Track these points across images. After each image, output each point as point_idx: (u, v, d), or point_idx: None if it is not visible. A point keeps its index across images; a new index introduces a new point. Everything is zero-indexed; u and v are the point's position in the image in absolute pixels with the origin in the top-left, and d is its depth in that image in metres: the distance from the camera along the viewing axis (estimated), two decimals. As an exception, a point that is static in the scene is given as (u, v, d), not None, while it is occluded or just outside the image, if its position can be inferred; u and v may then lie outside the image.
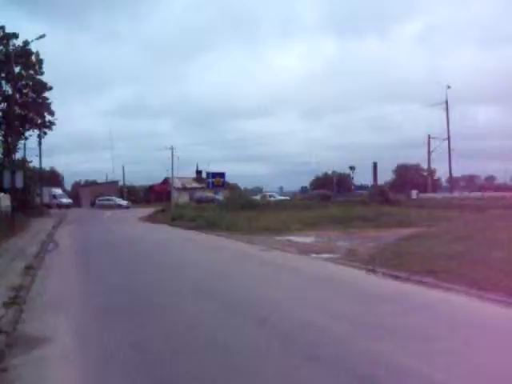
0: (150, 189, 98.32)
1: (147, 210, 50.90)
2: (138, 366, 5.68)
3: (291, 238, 21.27)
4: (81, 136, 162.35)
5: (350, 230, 23.35)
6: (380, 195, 43.35)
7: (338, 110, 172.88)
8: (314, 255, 15.73)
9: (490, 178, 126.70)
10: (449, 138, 64.20)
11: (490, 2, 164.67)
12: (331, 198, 50.15)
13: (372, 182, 48.62)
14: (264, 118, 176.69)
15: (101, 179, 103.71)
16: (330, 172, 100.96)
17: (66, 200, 76.57)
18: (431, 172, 75.29)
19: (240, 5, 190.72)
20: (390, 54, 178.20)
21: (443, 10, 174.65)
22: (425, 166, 77.14)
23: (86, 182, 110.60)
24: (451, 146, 64.74)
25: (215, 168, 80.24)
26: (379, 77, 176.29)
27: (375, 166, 47.63)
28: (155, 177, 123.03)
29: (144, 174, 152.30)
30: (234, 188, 60.18)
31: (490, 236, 15.76)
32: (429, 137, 66.59)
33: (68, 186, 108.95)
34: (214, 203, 52.43)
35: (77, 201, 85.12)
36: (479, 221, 22.40)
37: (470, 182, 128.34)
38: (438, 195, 59.08)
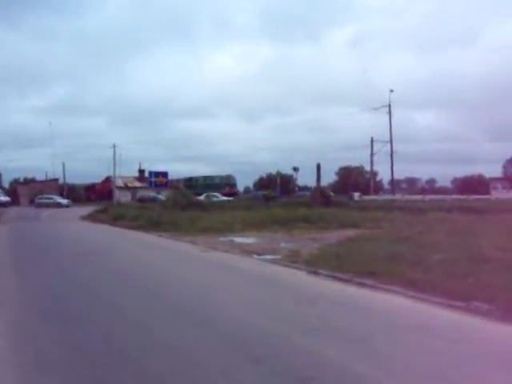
0: (91, 187, 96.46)
1: (88, 209, 49.86)
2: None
3: (234, 238, 21.24)
4: (19, 133, 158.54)
5: (293, 232, 23.46)
6: (322, 197, 43.76)
7: (277, 112, 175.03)
8: (256, 256, 15.73)
9: (431, 181, 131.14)
10: (391, 141, 65.54)
11: (420, 11, 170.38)
12: (275, 199, 50.31)
13: (315, 184, 48.97)
14: (204, 118, 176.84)
15: (40, 177, 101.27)
16: (274, 173, 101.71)
17: (3, 198, 73.88)
18: (374, 174, 76.73)
19: (178, 4, 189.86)
20: (325, 59, 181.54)
21: (375, 18, 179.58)
22: (368, 168, 78.63)
23: (25, 179, 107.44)
24: (393, 149, 66.12)
25: (158, 167, 79.92)
26: (316, 80, 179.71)
27: (318, 167, 47.94)
28: (97, 175, 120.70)
29: (85, 173, 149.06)
30: (177, 187, 59.64)
31: (430, 238, 16.11)
32: (372, 139, 67.85)
33: (6, 184, 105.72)
34: (156, 203, 51.79)
35: (15, 199, 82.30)
36: (420, 223, 22.89)
37: (412, 184, 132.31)
38: (380, 197, 60.24)
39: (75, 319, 7.92)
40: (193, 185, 76.60)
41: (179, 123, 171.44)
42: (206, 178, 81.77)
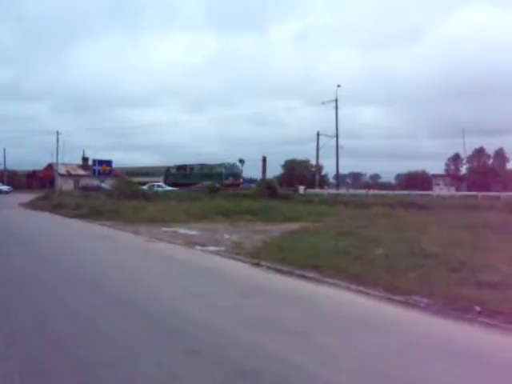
0: (33, 174, 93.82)
1: (29, 196, 48.51)
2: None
3: (178, 229, 21.06)
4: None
5: (238, 223, 23.45)
6: (268, 189, 43.71)
7: (223, 103, 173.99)
8: (199, 247, 15.61)
9: (375, 177, 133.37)
10: (337, 136, 65.44)
11: (365, 8, 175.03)
12: (219, 190, 49.92)
13: (261, 176, 48.80)
14: (149, 107, 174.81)
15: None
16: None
17: None
18: (319, 168, 76.92)
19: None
20: (271, 53, 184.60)
21: (320, 14, 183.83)
22: (313, 162, 78.76)
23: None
24: (339, 144, 66.40)
25: (102, 156, 77.52)
26: (262, 74, 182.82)
27: (264, 160, 47.66)
28: (39, 163, 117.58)
29: (27, 160, 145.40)
30: (120, 176, 58.45)
31: (372, 233, 16.48)
32: (318, 134, 67.94)
33: None
34: (100, 191, 50.77)
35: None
36: (363, 217, 23.38)
37: (356, 179, 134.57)
38: (325, 191, 60.63)
39: (9, 308, 7.66)
40: (186, 174, 70.27)
41: (124, 111, 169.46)
42: (203, 166, 71.31)
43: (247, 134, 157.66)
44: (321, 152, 69.52)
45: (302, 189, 58.11)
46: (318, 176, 73.54)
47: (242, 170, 67.37)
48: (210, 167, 69.32)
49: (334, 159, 66.71)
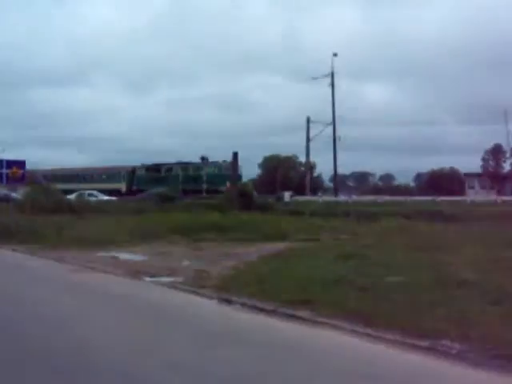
0: None
1: None
2: None
3: (118, 254, 20.97)
4: None
5: (200, 245, 23.34)
6: (241, 197, 43.24)
7: (176, 82, 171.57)
8: (148, 279, 15.57)
9: (387, 178, 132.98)
10: (334, 124, 65.30)
11: None
12: (175, 200, 49.45)
13: (231, 179, 47.61)
14: (74, 86, 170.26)
15: None
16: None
17: None
18: (310, 167, 76.80)
19: None
20: (240, 10, 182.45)
21: None
22: (302, 158, 78.11)
23: None
24: (338, 134, 65.94)
25: (8, 154, 75.17)
26: (228, 40, 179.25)
27: (235, 156, 46.71)
28: None
29: None
30: (36, 183, 57.37)
31: (383, 254, 16.54)
32: (308, 120, 67.38)
33: None
34: (9, 203, 50.05)
35: None
36: (371, 233, 23.40)
37: (362, 181, 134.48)
38: (319, 198, 59.96)
39: None
40: (161, 177, 67.56)
41: (42, 94, 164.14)
42: (185, 165, 68.70)
43: (212, 123, 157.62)
44: (312, 145, 69.40)
45: (287, 196, 57.68)
46: (309, 178, 72.90)
47: (240, 172, 61.46)
48: (197, 167, 67.80)
49: (330, 155, 66.51)
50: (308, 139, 67.09)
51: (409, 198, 56.06)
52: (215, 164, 65.53)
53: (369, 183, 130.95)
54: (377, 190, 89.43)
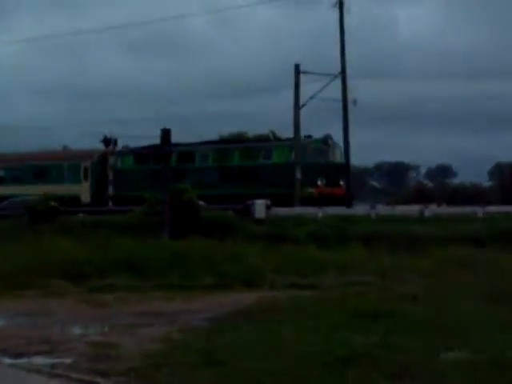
0: None
1: None
2: None
3: None
4: None
5: (104, 297, 17.78)
6: (178, 209, 32.86)
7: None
8: (8, 360, 10.82)
9: (441, 172, 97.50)
10: (344, 74, 48.17)
11: None
12: (56, 216, 38.27)
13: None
14: None
15: None
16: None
17: None
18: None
19: None
20: None
21: None
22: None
23: None
24: (350, 97, 47.06)
25: None
26: None
27: (166, 134, 34.76)
28: None
29: None
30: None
31: (432, 310, 13.07)
32: (297, 70, 49.42)
33: None
34: None
35: None
36: (414, 272, 19.18)
37: (396, 179, 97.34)
38: (317, 212, 43.70)
39: None
40: (184, 168, 45.74)
41: None
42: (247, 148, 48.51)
43: (124, 73, 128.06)
44: (305, 114, 50.28)
45: (260, 206, 41.67)
46: (298, 175, 51.51)
47: (342, 158, 45.73)
48: (256, 148, 46.88)
49: (338, 132, 47.97)
50: (297, 104, 44.35)
51: (482, 209, 41.45)
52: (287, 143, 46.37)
53: (408, 182, 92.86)
54: (422, 195, 58.19)
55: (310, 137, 45.36)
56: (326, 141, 44.80)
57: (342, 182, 44.36)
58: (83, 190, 49.33)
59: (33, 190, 46.08)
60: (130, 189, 45.16)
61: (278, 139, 47.70)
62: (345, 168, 45.11)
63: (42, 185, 48.36)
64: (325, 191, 42.31)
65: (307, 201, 40.32)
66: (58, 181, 50.70)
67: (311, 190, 42.04)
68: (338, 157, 45.70)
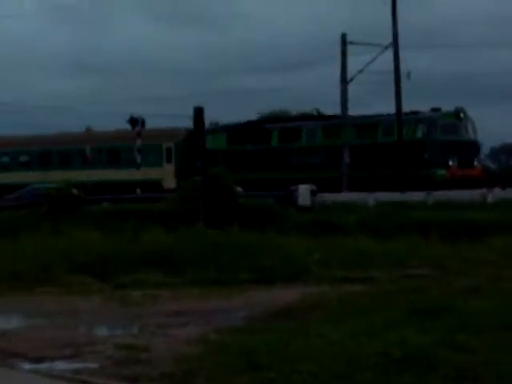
0: None
1: None
2: None
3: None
4: None
5: (131, 294, 17.19)
6: (214, 195, 30.54)
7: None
8: (29, 365, 10.27)
9: None
10: (396, 45, 44.42)
11: None
12: (80, 206, 34.87)
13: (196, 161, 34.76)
14: None
15: None
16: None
17: None
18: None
19: None
20: None
21: None
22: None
23: None
24: (404, 68, 42.10)
25: None
26: None
27: (198, 113, 31.19)
28: None
29: None
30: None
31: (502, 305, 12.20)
32: (343, 41, 45.21)
33: None
34: None
35: None
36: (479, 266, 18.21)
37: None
38: (368, 197, 40.75)
39: None
40: (301, 148, 44.82)
41: None
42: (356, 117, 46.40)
43: (151, 46, 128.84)
44: (353, 89, 47.02)
45: (304, 192, 39.67)
46: (346, 155, 48.19)
47: (475, 132, 44.08)
48: (374, 123, 44.78)
49: (390, 107, 42.11)
50: (344, 78, 43.72)
51: None
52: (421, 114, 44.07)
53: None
54: (488, 178, 48.36)
55: (438, 110, 42.78)
56: (457, 114, 42.64)
57: (476, 163, 42.45)
58: (166, 174, 45.56)
59: (98, 176, 44.40)
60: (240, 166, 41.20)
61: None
62: (478, 146, 43.32)
63: (109, 170, 46.39)
64: (458, 173, 40.22)
65: (436, 184, 37.69)
66: (131, 164, 46.89)
67: (442, 171, 40.17)
68: (471, 133, 43.45)
